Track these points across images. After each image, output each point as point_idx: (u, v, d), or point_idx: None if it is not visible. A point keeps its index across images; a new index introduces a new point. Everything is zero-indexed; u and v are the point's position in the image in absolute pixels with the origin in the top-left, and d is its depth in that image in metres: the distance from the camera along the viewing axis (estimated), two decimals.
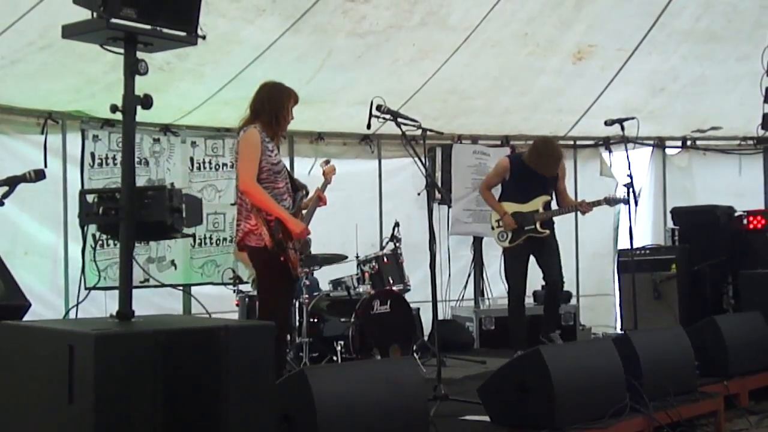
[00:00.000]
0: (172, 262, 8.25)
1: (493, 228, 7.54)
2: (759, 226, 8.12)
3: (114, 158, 7.79)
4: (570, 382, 4.59)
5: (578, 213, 7.92)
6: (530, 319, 7.61)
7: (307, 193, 5.61)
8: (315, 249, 7.11)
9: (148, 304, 7.35)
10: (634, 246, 7.33)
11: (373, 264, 7.43)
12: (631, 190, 6.83)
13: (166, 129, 8.28)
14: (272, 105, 5.21)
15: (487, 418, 4.79)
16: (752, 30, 8.37)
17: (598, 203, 7.42)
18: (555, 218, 7.51)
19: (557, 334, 7.54)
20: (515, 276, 7.43)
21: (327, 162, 6.15)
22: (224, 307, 7.48)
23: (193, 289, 8.19)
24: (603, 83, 9.23)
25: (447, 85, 8.86)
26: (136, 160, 6.84)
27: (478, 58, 8.57)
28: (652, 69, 9.13)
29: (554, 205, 7.52)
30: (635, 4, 8.30)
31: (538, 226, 7.32)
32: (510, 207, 7.38)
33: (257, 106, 5.24)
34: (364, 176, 9.46)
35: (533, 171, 7.29)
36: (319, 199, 5.81)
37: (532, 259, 7.43)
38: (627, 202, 6.98)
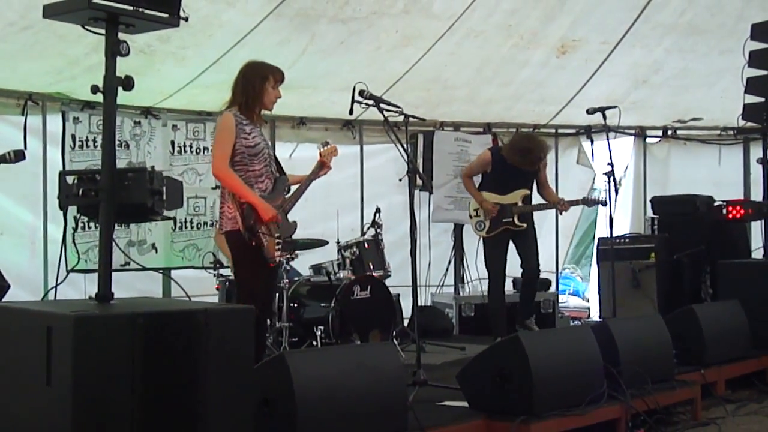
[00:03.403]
0: (153, 246, 8.22)
1: (471, 217, 7.55)
2: (738, 215, 8.13)
3: (95, 140, 7.75)
4: (548, 369, 4.62)
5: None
6: (509, 306, 7.63)
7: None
8: (295, 234, 7.06)
9: (128, 287, 7.30)
10: (614, 234, 7.37)
11: (354, 249, 7.41)
12: (611, 178, 6.86)
13: (147, 112, 8.23)
14: (247, 86, 5.14)
15: (465, 404, 4.81)
16: (735, 24, 8.36)
17: (576, 203, 7.46)
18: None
19: (533, 320, 7.59)
20: (495, 263, 7.45)
21: (326, 144, 5.66)
22: (204, 290, 7.46)
23: (173, 272, 8.15)
24: (586, 75, 9.24)
25: (430, 74, 8.83)
26: (117, 142, 6.80)
27: (462, 48, 8.56)
28: (635, 62, 9.14)
29: (535, 197, 7.52)
30: None
31: (515, 219, 7.33)
32: (489, 198, 7.38)
33: (235, 89, 5.19)
34: (345, 162, 9.39)
35: (513, 165, 7.29)
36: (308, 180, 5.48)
37: (511, 246, 7.45)
38: (605, 203, 7.01)
